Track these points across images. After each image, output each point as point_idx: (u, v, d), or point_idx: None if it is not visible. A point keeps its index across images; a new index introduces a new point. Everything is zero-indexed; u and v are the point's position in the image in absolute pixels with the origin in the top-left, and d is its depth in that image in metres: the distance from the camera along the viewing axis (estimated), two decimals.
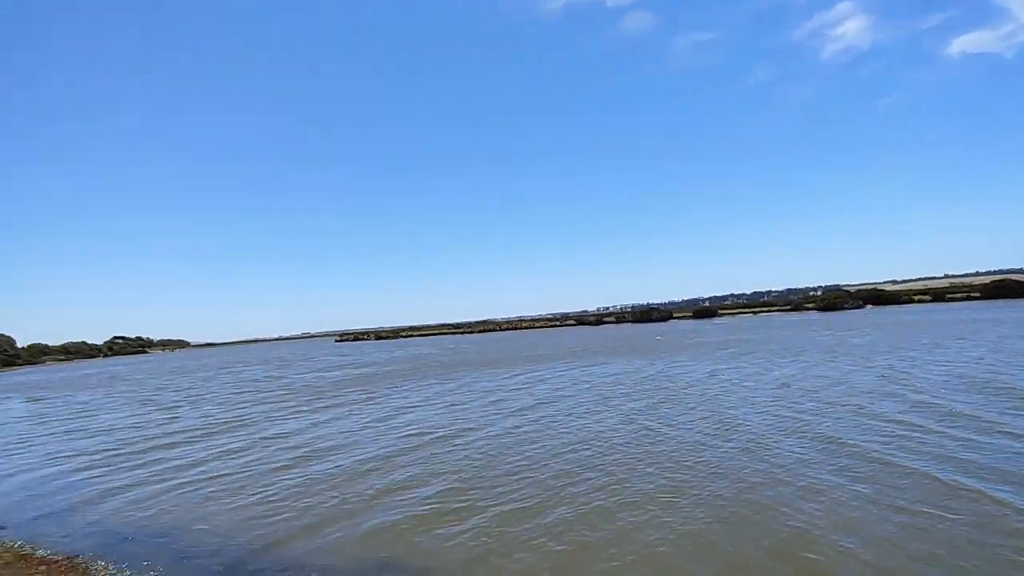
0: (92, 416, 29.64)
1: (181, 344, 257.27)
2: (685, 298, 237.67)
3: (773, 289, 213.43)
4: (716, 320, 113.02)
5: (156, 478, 14.15)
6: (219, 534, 9.63)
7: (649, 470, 11.35)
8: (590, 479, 10.93)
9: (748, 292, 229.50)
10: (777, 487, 9.81)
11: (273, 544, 8.94)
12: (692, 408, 17.69)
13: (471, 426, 17.46)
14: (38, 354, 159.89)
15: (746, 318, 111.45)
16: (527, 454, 13.27)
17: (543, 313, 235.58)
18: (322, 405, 26.21)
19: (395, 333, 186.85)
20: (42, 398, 45.20)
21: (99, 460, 17.07)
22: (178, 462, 15.84)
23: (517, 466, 12.23)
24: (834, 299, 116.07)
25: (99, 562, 8.47)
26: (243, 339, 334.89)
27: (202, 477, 13.87)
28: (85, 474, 15.30)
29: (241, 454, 16.40)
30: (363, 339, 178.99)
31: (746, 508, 8.88)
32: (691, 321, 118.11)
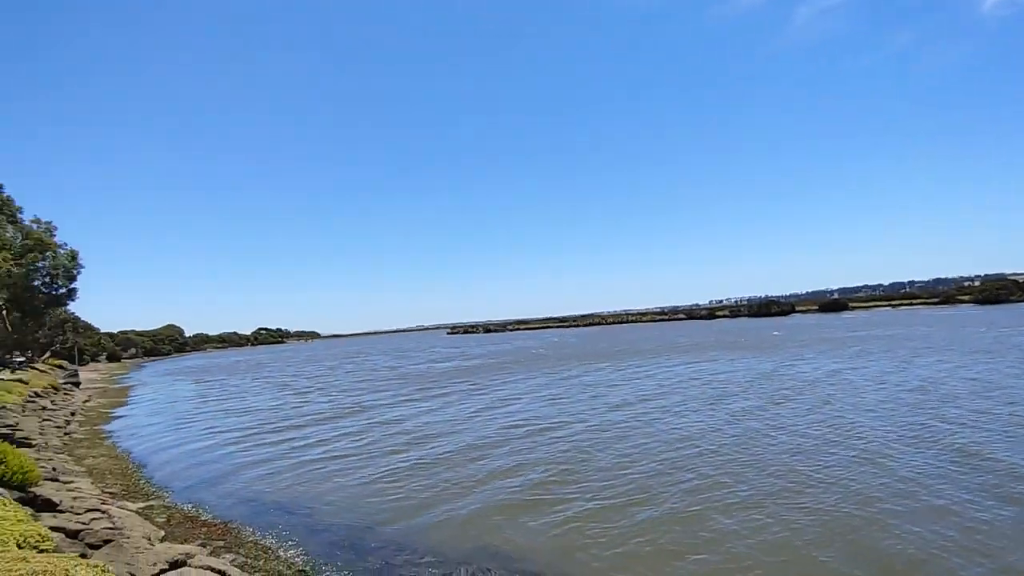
0: (241, 398, 33.86)
1: (313, 335, 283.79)
2: (809, 290, 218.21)
3: (916, 279, 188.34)
4: (846, 314, 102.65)
5: (291, 455, 15.81)
6: (344, 510, 10.59)
7: (749, 474, 10.71)
8: (686, 480, 10.57)
9: (885, 283, 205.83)
10: (895, 502, 8.81)
11: (388, 521, 9.65)
12: (807, 410, 16.35)
13: (570, 419, 17.50)
14: (201, 342, 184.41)
15: (883, 312, 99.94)
16: (624, 450, 13.07)
17: (650, 307, 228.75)
18: (433, 393, 27.75)
19: (502, 326, 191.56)
20: (204, 380, 52.35)
21: (246, 436, 19.45)
22: (308, 441, 17.60)
23: (614, 461, 12.10)
24: (997, 290, 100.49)
25: (248, 528, 9.79)
26: (365, 331, 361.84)
27: (328, 456, 15.30)
28: (234, 448, 17.48)
29: (361, 436, 17.72)
30: (472, 332, 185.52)
31: (854, 523, 8.09)
32: (816, 315, 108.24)
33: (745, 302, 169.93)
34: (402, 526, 9.57)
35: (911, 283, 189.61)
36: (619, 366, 34.70)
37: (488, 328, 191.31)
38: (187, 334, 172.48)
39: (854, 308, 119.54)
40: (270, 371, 59.30)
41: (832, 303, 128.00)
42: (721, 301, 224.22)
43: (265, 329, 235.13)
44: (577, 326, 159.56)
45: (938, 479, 9.90)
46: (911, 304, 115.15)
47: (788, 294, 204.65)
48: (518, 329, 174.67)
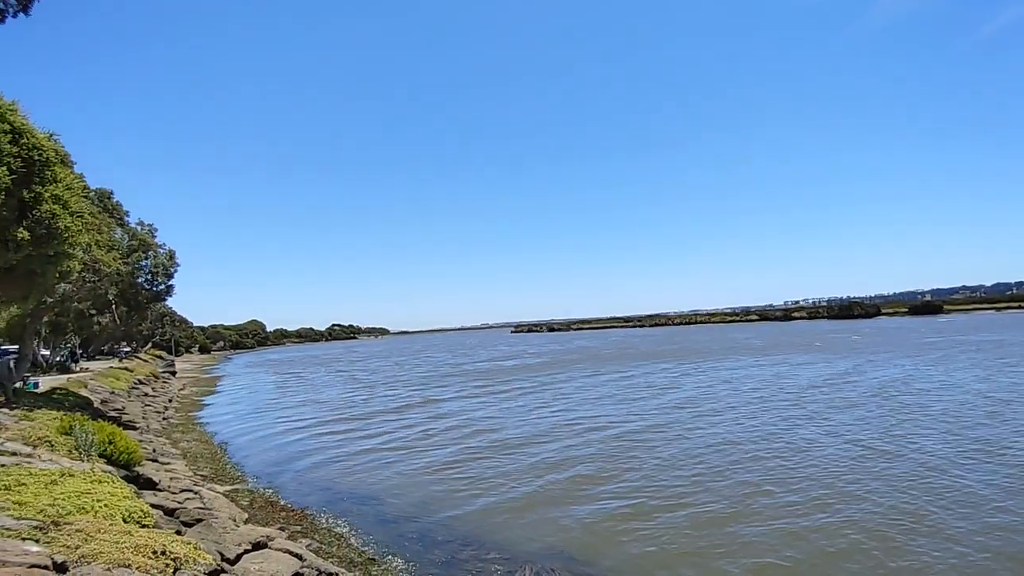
0: (316, 390, 35.62)
1: (383, 332, 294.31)
2: (897, 291, 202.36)
3: None
4: (940, 317, 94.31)
5: (361, 445, 16.34)
6: (411, 502, 10.80)
7: (795, 482, 9.75)
8: (737, 483, 9.92)
9: (988, 284, 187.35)
10: (942, 520, 7.91)
11: (453, 515, 9.68)
12: (869, 419, 14.82)
13: (631, 418, 17.13)
14: (280, 337, 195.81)
15: (984, 315, 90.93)
16: (683, 450, 12.49)
17: (720, 307, 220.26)
18: (496, 389, 27.90)
19: (566, 326, 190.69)
20: (283, 372, 55.55)
21: (320, 426, 20.34)
22: (377, 432, 18.05)
23: (677, 463, 11.61)
24: None
25: (322, 516, 10.24)
26: (432, 328, 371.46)
27: (395, 447, 15.62)
28: (310, 437, 18.28)
29: (426, 430, 18.08)
30: (536, 331, 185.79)
31: (894, 538, 7.28)
32: (905, 318, 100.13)
33: (824, 303, 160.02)
34: (467, 520, 9.68)
35: (1019, 284, 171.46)
36: (680, 367, 33.58)
37: (552, 327, 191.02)
38: (268, 329, 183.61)
39: (949, 311, 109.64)
40: (342, 365, 61.99)
41: (924, 305, 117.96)
42: (798, 302, 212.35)
43: (338, 325, 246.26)
44: (643, 326, 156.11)
45: (1000, 496, 8.86)
46: (1020, 307, 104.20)
47: (873, 295, 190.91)
48: (582, 329, 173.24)
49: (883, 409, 16.93)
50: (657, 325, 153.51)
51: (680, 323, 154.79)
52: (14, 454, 7.38)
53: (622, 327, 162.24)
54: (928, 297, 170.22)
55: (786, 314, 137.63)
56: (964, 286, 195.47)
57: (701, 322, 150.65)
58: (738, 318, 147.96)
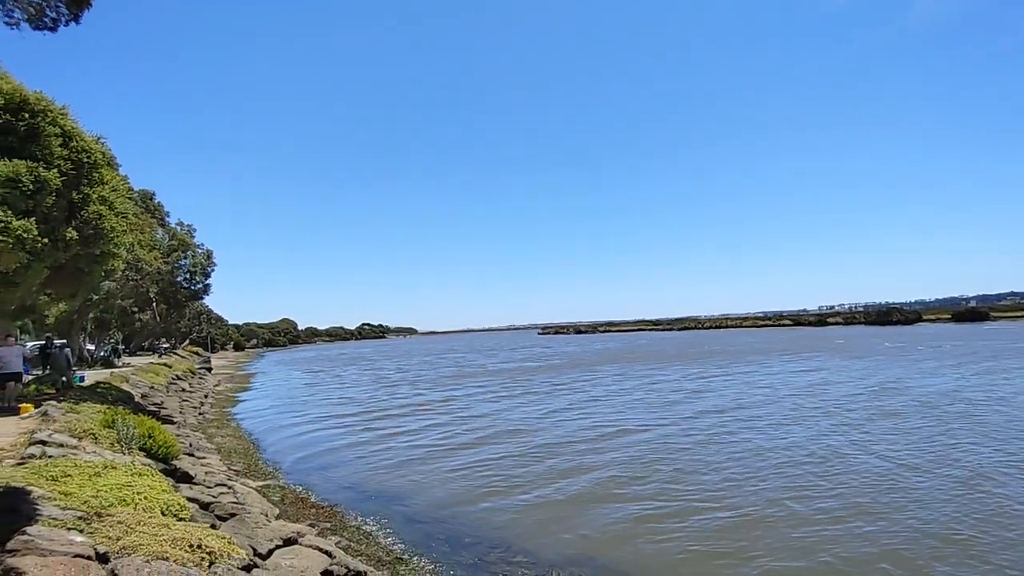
0: (345, 387, 36.11)
1: (411, 331, 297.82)
2: (939, 296, 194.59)
3: None
4: (986, 325, 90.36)
5: (389, 444, 16.42)
6: (438, 502, 10.79)
7: (817, 494, 9.43)
8: (754, 493, 9.62)
9: None
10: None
11: (480, 516, 9.61)
12: (900, 430, 14.21)
13: (651, 422, 16.84)
14: (311, 335, 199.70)
15: None
16: (707, 458, 12.26)
17: (752, 311, 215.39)
18: (521, 390, 27.74)
19: (593, 328, 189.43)
20: (314, 370, 56.61)
21: (349, 424, 20.57)
22: (405, 431, 18.16)
23: (707, 470, 11.44)
24: None
25: (351, 513, 10.34)
26: (459, 329, 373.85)
27: (423, 447, 15.66)
28: (339, 435, 18.52)
29: (452, 429, 18.12)
30: (563, 333, 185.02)
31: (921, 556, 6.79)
32: (947, 325, 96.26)
33: (861, 308, 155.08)
34: (494, 522, 9.66)
35: None
36: (706, 370, 32.92)
37: (579, 329, 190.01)
38: (299, 327, 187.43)
39: (996, 318, 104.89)
40: (372, 364, 62.82)
41: (968, 312, 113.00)
42: (833, 307, 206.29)
43: (368, 324, 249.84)
44: (671, 329, 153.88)
45: None
46: None
47: (913, 300, 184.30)
48: (609, 331, 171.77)
49: (921, 420, 16.27)
50: (686, 329, 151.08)
51: (710, 327, 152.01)
52: (61, 445, 7.67)
53: (650, 330, 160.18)
54: (973, 303, 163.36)
55: (820, 319, 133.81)
56: (1012, 292, 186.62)
57: (732, 326, 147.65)
58: (770, 323, 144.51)
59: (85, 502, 5.20)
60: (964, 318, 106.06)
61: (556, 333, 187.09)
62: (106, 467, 6.67)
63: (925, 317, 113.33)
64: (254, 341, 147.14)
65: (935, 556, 7.52)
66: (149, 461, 8.77)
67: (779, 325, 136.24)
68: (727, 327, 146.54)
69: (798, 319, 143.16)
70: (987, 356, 34.63)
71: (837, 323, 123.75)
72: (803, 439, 14.57)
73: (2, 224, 8.42)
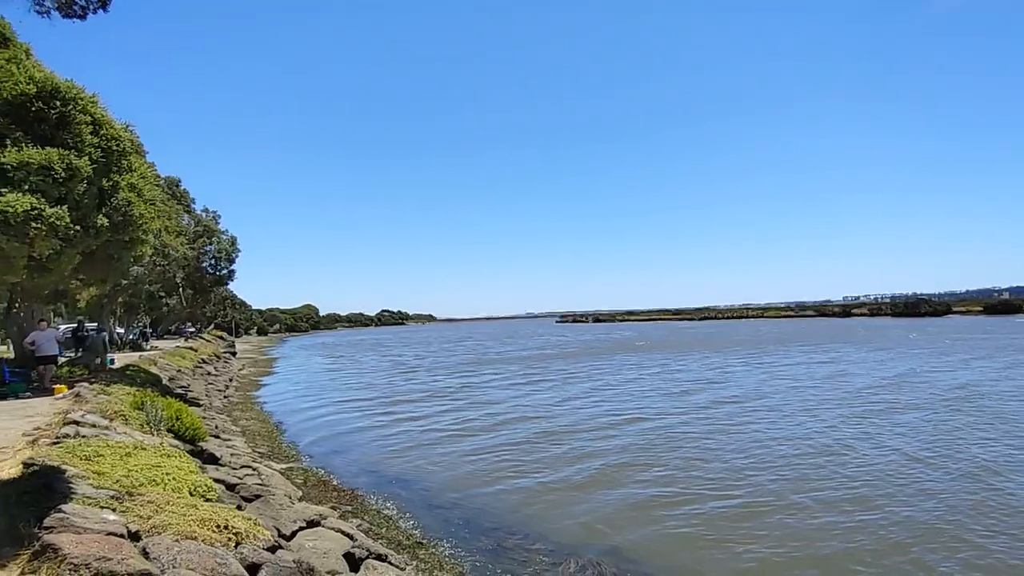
0: (366, 373, 36.49)
1: (429, 318, 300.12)
2: (971, 288, 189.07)
3: None
4: (1019, 317, 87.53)
5: (409, 429, 16.64)
6: (457, 487, 10.83)
7: (820, 485, 9.22)
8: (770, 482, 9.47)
9: None
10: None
11: (498, 502, 9.64)
12: (917, 422, 13.82)
13: (666, 410, 16.69)
14: (332, 321, 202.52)
15: None
16: (718, 448, 12.19)
17: (775, 302, 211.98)
18: (537, 377, 27.78)
19: (612, 316, 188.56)
20: (335, 355, 57.45)
21: (369, 408, 20.85)
22: (424, 416, 18.38)
23: (712, 460, 11.36)
24: None
25: (371, 497, 10.49)
26: (477, 316, 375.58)
27: (442, 432, 15.80)
28: (360, 419, 18.80)
29: (470, 415, 18.23)
30: (581, 321, 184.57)
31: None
32: (978, 317, 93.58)
33: (888, 300, 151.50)
34: (512, 508, 9.73)
35: None
36: (724, 361, 32.55)
37: (598, 318, 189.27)
38: (321, 313, 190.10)
39: None
40: (391, 350, 63.53)
41: (1001, 304, 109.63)
42: (858, 298, 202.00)
43: (387, 311, 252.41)
44: (690, 319, 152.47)
45: None
46: None
47: (943, 292, 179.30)
48: (627, 320, 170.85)
49: (937, 414, 15.90)
50: (706, 318, 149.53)
51: (730, 317, 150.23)
52: (94, 426, 7.90)
53: (669, 319, 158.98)
54: (1006, 295, 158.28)
55: (845, 310, 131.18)
56: None
57: (752, 316, 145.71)
58: (792, 313, 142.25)
59: (117, 481, 5.36)
60: (996, 310, 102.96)
61: (575, 321, 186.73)
62: (136, 448, 6.85)
63: (955, 309, 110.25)
64: (277, 326, 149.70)
65: (939, 549, 7.37)
66: (177, 442, 9.00)
67: (802, 316, 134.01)
68: (748, 317, 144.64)
69: (822, 310, 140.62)
70: (1017, 349, 33.60)
71: (862, 314, 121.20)
72: (817, 431, 14.35)
73: (36, 211, 8.63)
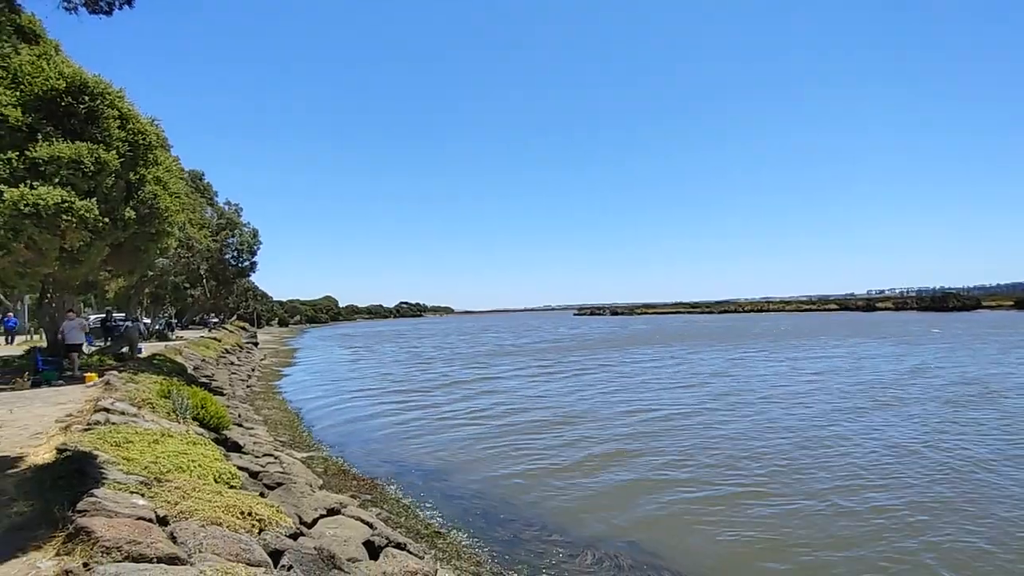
0: (385, 363, 36.78)
1: (447, 311, 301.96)
2: (1003, 281, 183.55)
3: None
4: None
5: (428, 419, 16.81)
6: (475, 478, 10.90)
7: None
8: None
9: None
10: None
11: (516, 494, 9.67)
12: (935, 417, 13.46)
13: (681, 406, 16.64)
14: (352, 313, 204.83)
15: None
16: (738, 437, 12.06)
17: (795, 295, 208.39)
18: (554, 368, 27.80)
19: (630, 310, 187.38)
20: (355, 346, 58.08)
21: (388, 398, 21.08)
22: (443, 406, 18.51)
23: (730, 451, 11.24)
24: None
25: (390, 487, 10.62)
26: (495, 309, 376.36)
27: (460, 423, 15.95)
28: (379, 409, 19.01)
29: (488, 407, 18.33)
30: (599, 314, 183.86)
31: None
32: (1009, 312, 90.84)
33: (914, 293, 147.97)
34: (530, 500, 9.78)
35: None
36: (744, 354, 32.13)
37: (615, 311, 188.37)
38: (340, 305, 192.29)
39: None
40: (409, 342, 64.06)
41: None
42: (883, 291, 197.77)
43: (406, 303, 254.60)
44: (710, 312, 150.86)
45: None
46: None
47: (973, 286, 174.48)
48: (645, 313, 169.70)
49: (941, 409, 15.54)
50: (726, 312, 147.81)
51: (750, 310, 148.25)
52: (123, 413, 8.13)
53: (687, 312, 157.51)
54: None
55: (869, 304, 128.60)
56: None
57: (773, 310, 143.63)
58: (814, 306, 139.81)
59: (145, 467, 5.51)
60: None
61: (592, 314, 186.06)
62: (163, 435, 7.03)
63: (985, 304, 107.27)
64: (297, 317, 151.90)
65: (977, 552, 7.22)
66: (202, 430, 9.21)
67: (824, 309, 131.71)
68: (769, 311, 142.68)
69: (845, 303, 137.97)
70: None
71: (887, 308, 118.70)
72: (843, 428, 14.14)
73: (67, 204, 8.85)
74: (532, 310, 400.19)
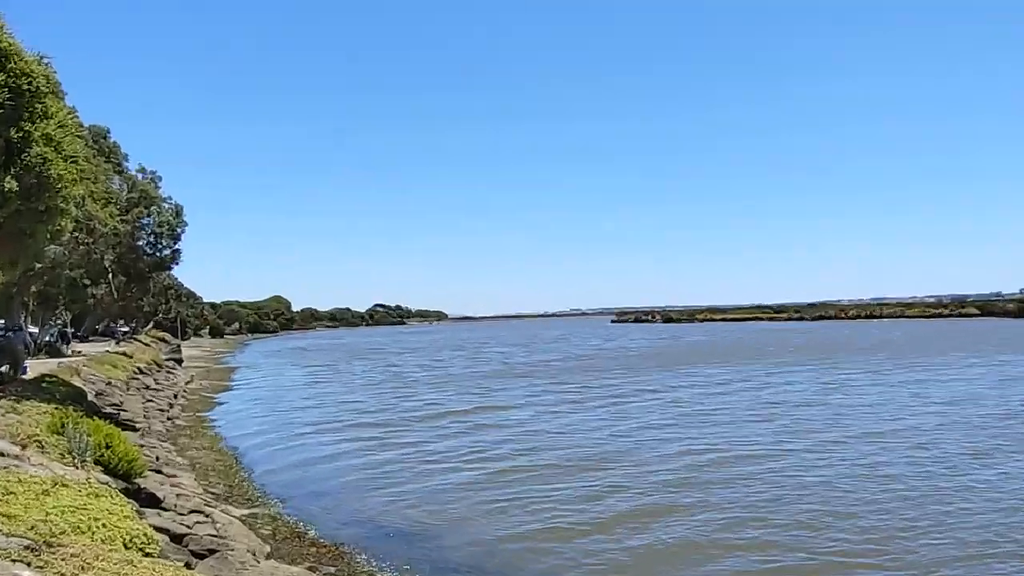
0: (354, 390, 37.09)
1: (439, 316, 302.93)
2: None
3: None
4: None
5: (412, 465, 16.92)
6: (472, 543, 10.89)
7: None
8: None
9: None
10: None
11: (525, 566, 9.96)
12: None
13: (760, 447, 16.54)
14: (309, 319, 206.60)
15: None
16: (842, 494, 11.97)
17: (918, 294, 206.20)
18: (579, 399, 27.75)
19: (689, 315, 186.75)
20: (313, 365, 58.35)
21: (359, 438, 21.23)
22: (430, 449, 18.67)
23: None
24: None
25: (362, 556, 10.53)
26: (502, 314, 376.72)
27: (453, 469, 16.05)
28: (348, 451, 19.19)
29: (489, 448, 18.58)
30: (646, 320, 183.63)
31: None
32: None
33: None
34: (544, 570, 9.80)
35: None
36: (848, 376, 31.83)
37: (669, 316, 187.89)
38: (294, 308, 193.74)
39: None
40: (388, 358, 64.41)
41: None
42: None
43: (382, 306, 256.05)
44: (801, 319, 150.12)
45: None
46: None
47: None
48: (711, 319, 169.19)
49: None
50: (823, 318, 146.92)
51: (855, 316, 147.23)
52: (2, 455, 8.24)
53: (767, 319, 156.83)
54: None
55: (1021, 308, 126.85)
56: None
57: (888, 315, 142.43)
58: (946, 310, 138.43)
59: (32, 527, 5.57)
60: None
61: (636, 321, 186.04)
62: (56, 484, 7.11)
63: None
64: (236, 325, 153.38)
65: None
66: (107, 478, 9.31)
67: (960, 314, 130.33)
68: (881, 316, 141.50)
69: (989, 307, 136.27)
70: None
71: None
72: (981, 479, 13.99)
73: None
74: (555, 315, 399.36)
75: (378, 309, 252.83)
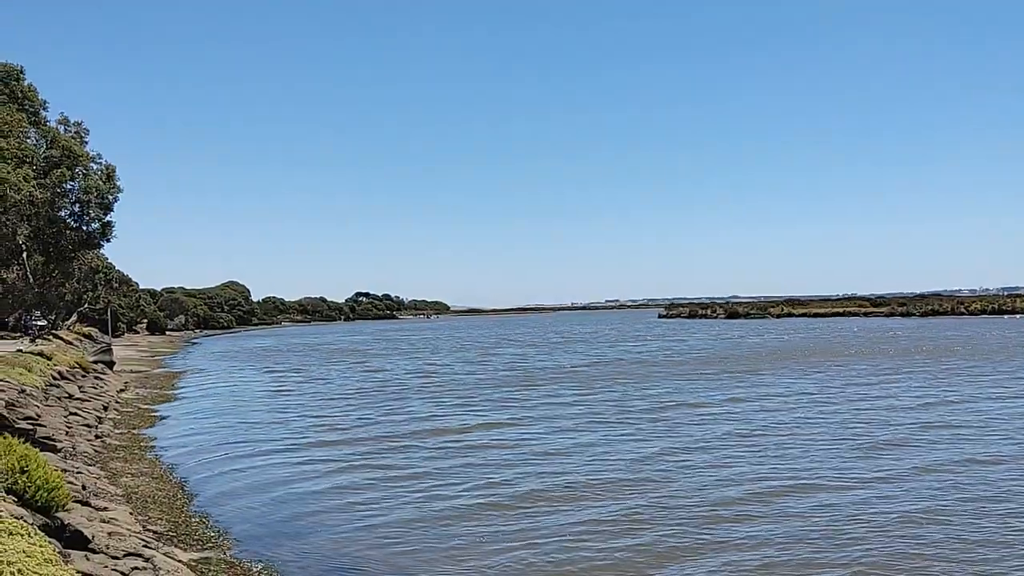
0: (328, 402, 37.36)
1: (439, 308, 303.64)
2: None
3: None
4: None
5: (402, 496, 17.08)
6: None
7: None
8: None
9: None
10: None
11: None
12: None
13: (839, 476, 16.44)
14: (273, 311, 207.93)
15: None
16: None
17: None
18: (612, 412, 27.71)
19: (760, 308, 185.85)
20: (277, 369, 58.71)
21: (336, 462, 21.45)
22: (422, 477, 18.53)
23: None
24: None
25: None
26: (518, 306, 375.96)
27: (450, 498, 15.96)
28: (322, 478, 19.39)
29: (494, 476, 18.67)
30: (703, 316, 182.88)
31: None
32: None
33: None
34: None
35: None
36: (955, 387, 31.58)
37: (734, 311, 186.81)
38: (254, 298, 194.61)
39: None
40: (371, 360, 64.64)
41: None
42: None
43: (365, 296, 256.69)
44: (904, 313, 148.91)
45: None
46: None
47: None
48: (789, 313, 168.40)
49: None
50: (933, 313, 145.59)
51: (977, 310, 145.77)
52: None
53: (863, 314, 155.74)
54: None
55: None
56: None
57: (1021, 310, 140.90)
58: None
59: None
60: None
61: (691, 316, 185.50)
62: None
63: None
64: (182, 319, 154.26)
65: None
66: (22, 511, 9.44)
67: None
68: (1013, 312, 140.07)
69: None
70: None
71: None
72: None
73: None
74: (586, 308, 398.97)
75: (361, 299, 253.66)
